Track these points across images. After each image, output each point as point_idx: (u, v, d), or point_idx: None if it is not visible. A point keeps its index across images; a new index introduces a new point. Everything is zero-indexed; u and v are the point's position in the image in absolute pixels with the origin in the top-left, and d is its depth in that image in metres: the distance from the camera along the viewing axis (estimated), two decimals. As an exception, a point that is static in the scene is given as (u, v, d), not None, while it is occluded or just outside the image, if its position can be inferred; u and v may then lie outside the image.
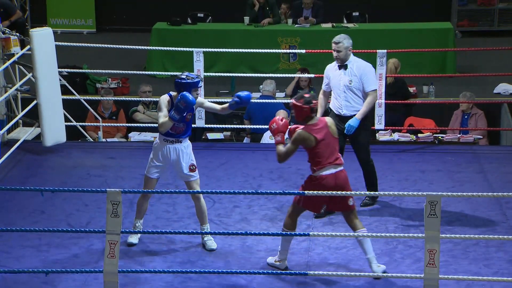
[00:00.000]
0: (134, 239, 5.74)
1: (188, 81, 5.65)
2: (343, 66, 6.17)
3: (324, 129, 5.35)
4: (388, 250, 5.71)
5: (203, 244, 5.72)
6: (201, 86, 6.01)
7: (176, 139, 5.69)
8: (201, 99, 5.92)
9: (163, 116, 5.62)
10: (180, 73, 5.77)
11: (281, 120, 5.41)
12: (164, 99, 5.73)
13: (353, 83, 6.14)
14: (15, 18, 11.28)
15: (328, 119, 5.47)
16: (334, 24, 11.13)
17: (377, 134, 8.66)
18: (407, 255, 5.63)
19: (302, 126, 5.35)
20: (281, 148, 5.37)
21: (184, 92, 5.59)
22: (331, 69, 6.30)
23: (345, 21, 11.85)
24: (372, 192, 6.13)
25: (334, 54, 6.15)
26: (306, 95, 5.36)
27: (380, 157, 7.53)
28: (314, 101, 5.33)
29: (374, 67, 7.76)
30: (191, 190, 5.69)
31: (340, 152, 5.73)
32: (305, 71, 9.62)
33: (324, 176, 5.33)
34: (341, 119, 6.21)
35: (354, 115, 6.17)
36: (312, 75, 9.35)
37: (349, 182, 5.47)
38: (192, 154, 5.76)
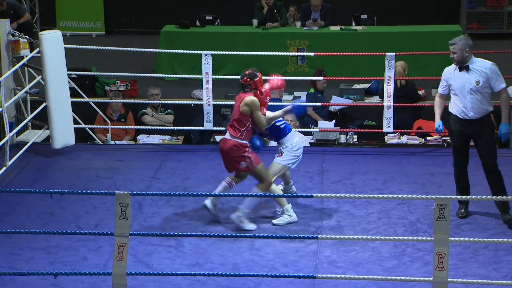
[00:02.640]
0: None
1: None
2: (464, 67, 5.94)
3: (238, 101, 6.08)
4: (397, 253, 5.70)
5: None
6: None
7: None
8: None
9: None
10: None
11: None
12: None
13: (480, 84, 5.89)
14: (23, 20, 11.33)
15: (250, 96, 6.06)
16: (342, 26, 11.13)
17: (385, 137, 8.65)
18: (416, 258, 5.62)
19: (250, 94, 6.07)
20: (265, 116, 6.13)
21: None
22: (450, 71, 6.05)
23: (353, 24, 11.85)
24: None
25: (451, 55, 5.97)
26: (248, 72, 6.15)
27: (388, 160, 7.54)
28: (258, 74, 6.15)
29: (382, 70, 7.81)
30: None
31: (466, 157, 5.99)
32: (321, 72, 9.57)
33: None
34: (467, 123, 5.97)
35: (483, 117, 5.92)
36: (319, 78, 9.36)
37: None
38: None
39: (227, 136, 6.08)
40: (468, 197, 5.82)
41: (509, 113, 6.00)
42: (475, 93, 5.94)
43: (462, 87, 5.97)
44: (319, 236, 5.46)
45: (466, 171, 6.12)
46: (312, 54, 9.25)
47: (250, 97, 6.07)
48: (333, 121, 9.25)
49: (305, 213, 6.34)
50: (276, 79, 6.34)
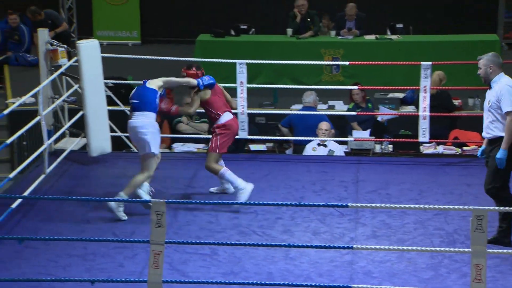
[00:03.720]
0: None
1: None
2: (489, 85, 5.82)
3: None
4: (434, 264, 5.63)
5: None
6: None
7: None
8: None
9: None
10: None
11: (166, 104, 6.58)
12: None
13: (490, 104, 5.76)
14: (61, 30, 11.50)
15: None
16: (377, 36, 11.09)
17: (421, 147, 8.58)
18: (452, 270, 5.55)
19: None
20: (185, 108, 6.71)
21: None
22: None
23: (388, 33, 11.80)
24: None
25: (478, 71, 5.87)
26: (193, 64, 6.49)
27: (424, 170, 7.47)
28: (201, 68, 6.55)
29: (418, 79, 7.74)
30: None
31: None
32: (357, 85, 9.53)
33: (228, 121, 6.51)
34: (486, 142, 5.91)
35: (493, 140, 5.79)
36: (355, 87, 9.32)
37: None
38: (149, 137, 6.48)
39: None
40: (507, 208, 5.71)
41: (510, 140, 5.69)
42: (488, 112, 5.85)
43: (484, 104, 5.92)
44: (354, 246, 5.42)
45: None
46: (347, 63, 9.22)
47: None
48: (368, 130, 9.21)
49: (340, 223, 6.32)
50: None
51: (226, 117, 6.58)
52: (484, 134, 5.92)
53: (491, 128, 5.82)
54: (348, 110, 9.50)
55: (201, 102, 6.58)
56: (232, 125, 6.60)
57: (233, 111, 6.84)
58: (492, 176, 5.82)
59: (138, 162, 7.94)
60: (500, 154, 5.71)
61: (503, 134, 5.75)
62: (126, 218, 6.30)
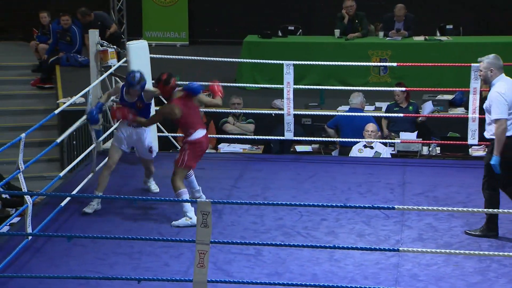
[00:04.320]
0: (89, 209, 6.46)
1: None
2: (489, 86, 5.92)
3: (186, 100, 6.32)
4: (481, 268, 5.54)
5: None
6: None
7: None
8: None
9: None
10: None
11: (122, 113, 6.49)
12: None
13: (485, 106, 5.89)
14: (112, 31, 11.67)
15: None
16: (427, 37, 10.95)
17: (470, 150, 8.44)
18: (501, 274, 5.45)
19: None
20: (142, 119, 6.56)
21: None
22: None
23: (438, 34, 11.64)
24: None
25: (478, 73, 6.01)
26: (164, 76, 6.35)
27: (472, 173, 7.34)
28: (172, 79, 6.39)
29: (468, 81, 7.62)
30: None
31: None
32: (401, 86, 9.45)
33: (199, 139, 6.35)
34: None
35: (489, 139, 5.92)
36: (402, 89, 9.23)
37: None
38: (150, 137, 6.79)
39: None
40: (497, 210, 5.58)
41: (500, 145, 5.77)
42: (486, 114, 5.91)
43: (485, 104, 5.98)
44: (400, 248, 5.36)
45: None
46: (395, 64, 9.13)
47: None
48: (415, 132, 9.10)
49: (385, 225, 6.27)
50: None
51: (198, 134, 6.37)
52: (485, 132, 5.99)
53: (487, 130, 5.93)
54: (388, 107, 9.43)
55: (175, 118, 6.39)
56: (202, 143, 6.41)
57: (277, 111, 6.80)
58: (486, 170, 5.93)
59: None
60: (493, 160, 5.80)
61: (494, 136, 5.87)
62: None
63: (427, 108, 9.48)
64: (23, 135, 5.84)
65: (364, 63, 9.77)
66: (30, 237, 5.91)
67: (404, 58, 10.31)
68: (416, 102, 9.60)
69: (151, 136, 6.87)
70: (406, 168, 7.56)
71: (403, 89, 9.22)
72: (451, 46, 10.77)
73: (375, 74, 10.94)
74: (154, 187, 7.04)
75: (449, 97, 10.05)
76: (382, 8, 11.87)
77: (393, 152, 8.66)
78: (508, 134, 5.83)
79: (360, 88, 8.97)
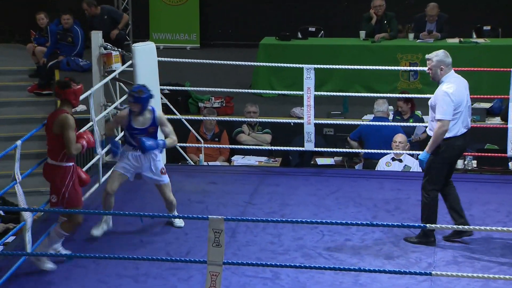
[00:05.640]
0: (98, 231, 6.39)
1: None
2: (438, 83, 6.27)
3: (51, 118, 5.97)
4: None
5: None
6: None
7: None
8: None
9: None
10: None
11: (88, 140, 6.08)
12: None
13: (430, 105, 6.24)
14: (123, 23, 11.74)
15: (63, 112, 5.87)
16: (461, 39, 10.94)
17: (510, 163, 8.40)
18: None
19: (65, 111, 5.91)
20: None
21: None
22: None
23: (474, 36, 11.63)
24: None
25: (427, 70, 6.30)
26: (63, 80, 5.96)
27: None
28: (74, 84, 5.93)
29: (507, 87, 7.60)
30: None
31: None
32: (405, 93, 9.41)
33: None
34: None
35: (430, 137, 6.23)
36: (407, 96, 9.20)
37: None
38: (161, 160, 6.63)
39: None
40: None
41: (435, 144, 6.11)
42: (430, 109, 6.22)
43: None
44: (433, 272, 5.33)
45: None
46: (426, 69, 9.09)
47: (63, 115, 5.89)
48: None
49: (416, 247, 6.24)
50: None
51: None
52: (427, 130, 6.31)
53: (429, 128, 6.25)
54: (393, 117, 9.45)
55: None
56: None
57: (297, 120, 6.78)
58: (426, 176, 6.30)
59: (194, 176, 8.03)
60: (422, 156, 6.21)
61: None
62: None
63: (419, 131, 9.39)
64: (19, 142, 5.88)
65: (392, 68, 9.76)
66: (27, 256, 5.93)
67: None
68: (420, 116, 9.52)
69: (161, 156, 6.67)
70: (438, 183, 7.53)
71: (402, 95, 9.21)
72: (489, 49, 10.75)
73: (404, 80, 10.94)
74: (178, 221, 6.63)
75: (487, 105, 10.01)
76: (413, 8, 11.87)
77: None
78: (450, 135, 6.13)
79: (388, 95, 8.96)
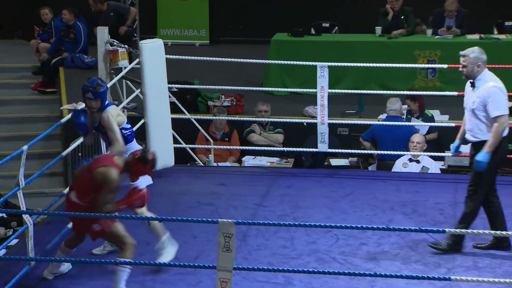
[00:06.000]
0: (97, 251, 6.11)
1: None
2: (472, 84, 6.11)
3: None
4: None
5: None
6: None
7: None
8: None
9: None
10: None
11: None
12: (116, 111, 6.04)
13: (475, 105, 6.04)
14: (131, 19, 11.76)
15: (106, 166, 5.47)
16: (482, 35, 10.89)
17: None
18: None
19: None
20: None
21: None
22: (467, 86, 6.24)
23: (495, 32, 11.57)
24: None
25: (460, 68, 6.15)
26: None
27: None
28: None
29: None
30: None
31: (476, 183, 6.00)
32: (412, 97, 9.30)
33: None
34: (471, 145, 6.19)
35: (476, 142, 6.06)
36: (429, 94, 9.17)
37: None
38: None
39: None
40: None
41: (495, 144, 5.96)
42: (472, 114, 6.05)
43: (466, 105, 6.12)
44: (452, 277, 5.31)
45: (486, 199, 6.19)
46: (445, 66, 9.09)
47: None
48: (469, 144, 9.02)
49: (435, 251, 6.22)
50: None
51: None
52: (467, 136, 6.12)
53: (476, 132, 6.03)
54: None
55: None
56: None
57: (310, 120, 6.72)
58: (474, 180, 6.10)
59: (203, 177, 8.02)
60: (482, 157, 5.96)
61: (486, 138, 5.97)
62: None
63: (424, 130, 9.31)
64: (25, 147, 5.88)
65: (410, 65, 9.74)
66: (32, 263, 5.94)
67: (456, 59, 10.18)
68: (431, 116, 9.46)
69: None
70: (458, 185, 7.50)
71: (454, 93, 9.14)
72: (511, 45, 10.69)
73: (422, 78, 10.90)
74: (167, 249, 6.00)
75: (510, 104, 9.95)
76: (432, 3, 11.83)
77: (443, 167, 8.59)
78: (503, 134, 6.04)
79: (405, 93, 8.91)
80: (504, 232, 5.74)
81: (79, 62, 11.67)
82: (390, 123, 8.64)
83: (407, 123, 8.78)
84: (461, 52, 6.14)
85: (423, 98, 9.35)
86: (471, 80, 6.09)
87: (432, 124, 9.04)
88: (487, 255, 6.14)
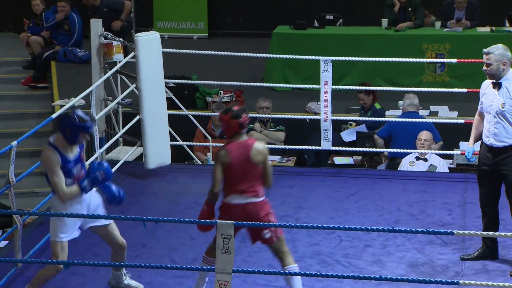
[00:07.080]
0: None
1: (79, 124, 5.31)
2: (497, 84, 5.93)
3: (244, 150, 5.31)
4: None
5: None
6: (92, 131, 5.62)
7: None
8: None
9: (62, 182, 5.27)
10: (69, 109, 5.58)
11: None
12: (52, 157, 5.27)
13: (505, 107, 5.89)
14: (126, 13, 11.77)
15: (258, 140, 5.37)
16: (493, 27, 10.90)
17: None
18: None
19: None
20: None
21: (103, 162, 5.50)
22: (486, 86, 6.06)
23: (507, 24, 11.58)
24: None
25: (483, 67, 5.96)
26: (235, 108, 5.37)
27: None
28: (243, 115, 5.31)
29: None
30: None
31: (494, 192, 5.93)
32: (365, 85, 9.26)
33: (232, 206, 5.34)
34: (491, 150, 5.99)
35: (504, 148, 5.92)
36: (376, 89, 9.20)
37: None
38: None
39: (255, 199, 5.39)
40: None
41: None
42: (499, 117, 5.89)
43: (489, 107, 5.94)
44: (461, 281, 5.33)
45: (492, 209, 6.08)
46: (454, 61, 9.11)
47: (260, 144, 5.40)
48: (479, 142, 9.03)
49: (443, 254, 6.25)
50: None
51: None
52: (491, 141, 5.94)
53: (503, 135, 5.89)
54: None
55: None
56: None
57: (313, 117, 6.66)
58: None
59: (201, 176, 8.04)
60: None
61: None
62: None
63: (347, 136, 9.32)
64: (14, 143, 5.91)
65: (417, 59, 9.75)
66: (20, 265, 5.97)
67: (466, 53, 10.27)
68: (380, 108, 9.44)
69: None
70: (467, 185, 7.53)
71: (463, 90, 9.16)
72: (523, 38, 10.72)
73: (430, 73, 10.92)
74: (134, 283, 5.78)
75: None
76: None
77: (452, 165, 8.61)
78: None
79: (412, 89, 8.94)
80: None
81: (72, 56, 11.68)
82: (408, 120, 8.45)
83: (426, 120, 8.67)
84: (485, 50, 5.94)
85: (375, 91, 9.30)
86: (494, 81, 5.91)
87: (383, 119, 8.88)
88: (498, 258, 6.15)
